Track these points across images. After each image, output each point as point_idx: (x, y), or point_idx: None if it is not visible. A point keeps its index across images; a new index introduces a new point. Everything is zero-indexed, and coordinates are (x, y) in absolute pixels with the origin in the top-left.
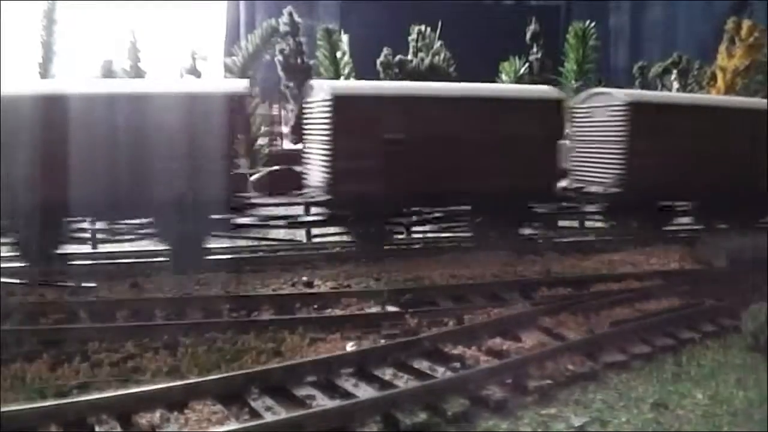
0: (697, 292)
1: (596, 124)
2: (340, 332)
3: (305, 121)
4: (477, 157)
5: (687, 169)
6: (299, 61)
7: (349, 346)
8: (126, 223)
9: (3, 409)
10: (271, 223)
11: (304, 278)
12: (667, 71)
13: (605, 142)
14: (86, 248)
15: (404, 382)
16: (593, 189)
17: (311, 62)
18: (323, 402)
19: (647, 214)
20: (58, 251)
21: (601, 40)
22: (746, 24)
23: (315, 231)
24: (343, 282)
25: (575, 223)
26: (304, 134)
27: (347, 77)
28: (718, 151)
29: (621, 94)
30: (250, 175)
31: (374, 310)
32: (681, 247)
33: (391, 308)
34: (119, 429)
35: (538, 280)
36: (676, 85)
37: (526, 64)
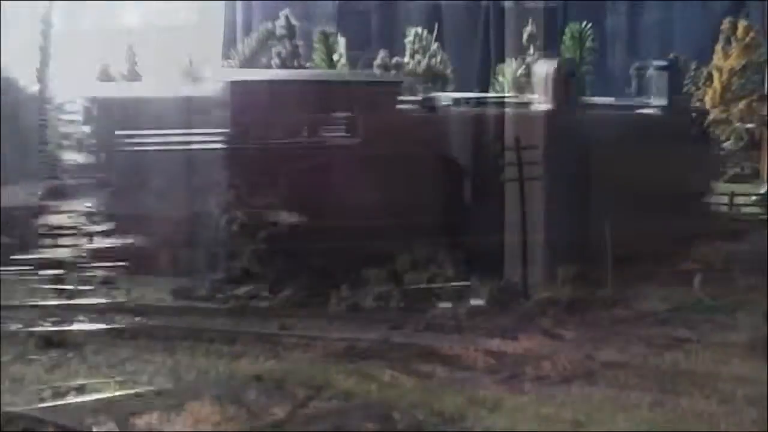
0: None
1: None
2: None
3: None
4: None
5: None
6: (296, 64)
7: None
8: None
9: None
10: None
11: None
12: None
13: None
14: None
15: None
16: None
17: (308, 65)
18: None
19: None
20: None
21: (598, 41)
22: (742, 24)
23: None
24: None
25: None
26: None
27: None
28: None
29: None
30: None
31: None
32: None
33: None
34: None
35: None
36: None
37: (523, 66)
